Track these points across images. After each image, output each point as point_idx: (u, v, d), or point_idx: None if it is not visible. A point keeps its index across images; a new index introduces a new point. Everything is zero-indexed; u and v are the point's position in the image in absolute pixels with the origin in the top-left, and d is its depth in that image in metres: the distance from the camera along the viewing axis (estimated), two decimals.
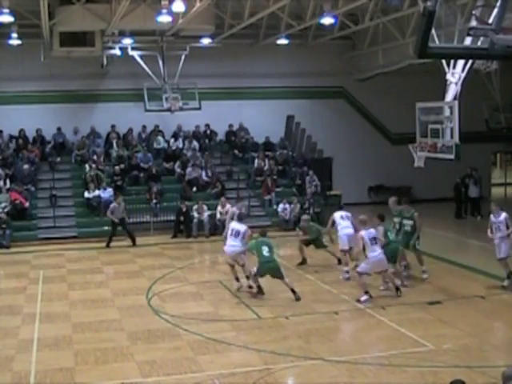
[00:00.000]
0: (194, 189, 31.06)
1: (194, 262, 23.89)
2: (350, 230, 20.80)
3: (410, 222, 20.29)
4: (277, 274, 18.15)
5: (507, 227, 18.58)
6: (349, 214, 21.54)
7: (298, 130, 35.77)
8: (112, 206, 26.93)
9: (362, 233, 17.89)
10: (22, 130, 32.56)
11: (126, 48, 31.61)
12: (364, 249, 17.79)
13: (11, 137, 32.37)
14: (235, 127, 35.07)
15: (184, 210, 28.51)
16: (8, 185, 29.38)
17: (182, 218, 28.44)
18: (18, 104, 32.54)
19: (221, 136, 35.20)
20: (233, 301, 18.34)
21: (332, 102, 36.40)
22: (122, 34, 30.72)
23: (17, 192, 28.67)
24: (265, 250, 18.10)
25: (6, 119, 32.23)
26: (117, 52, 31.79)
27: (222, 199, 28.78)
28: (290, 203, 29.77)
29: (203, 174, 31.66)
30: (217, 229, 28.24)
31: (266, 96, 35.31)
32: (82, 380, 12.82)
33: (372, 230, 18.09)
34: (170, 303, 18.26)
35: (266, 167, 32.56)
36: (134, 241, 26.69)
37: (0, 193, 28.82)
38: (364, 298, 17.51)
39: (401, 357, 13.51)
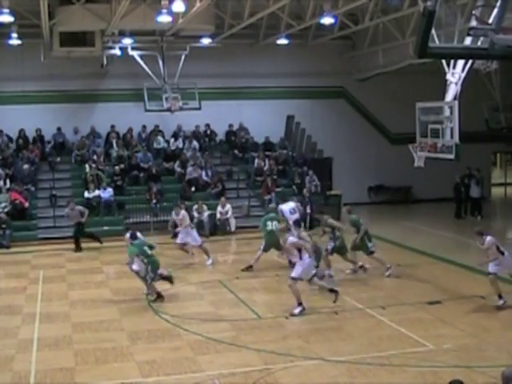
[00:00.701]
0: (194, 189, 31.05)
1: (193, 261, 23.87)
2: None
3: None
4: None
5: (498, 249, 17.07)
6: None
7: (298, 130, 35.78)
8: (65, 211, 26.89)
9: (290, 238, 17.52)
10: (22, 130, 32.59)
11: (126, 48, 31.64)
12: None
13: (8, 137, 32.32)
14: (235, 127, 35.09)
15: (184, 210, 28.46)
16: (8, 185, 29.39)
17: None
18: (18, 104, 32.60)
19: (221, 136, 35.23)
20: (233, 301, 18.34)
21: (332, 101, 36.42)
22: (122, 33, 30.76)
23: (17, 192, 28.68)
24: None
25: (6, 119, 32.29)
26: (117, 52, 31.81)
27: (222, 199, 28.80)
28: None
29: (203, 173, 31.67)
30: (217, 228, 28.27)
31: (265, 96, 35.34)
32: (81, 380, 12.82)
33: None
34: (169, 303, 18.23)
35: (265, 167, 32.56)
36: (98, 240, 26.54)
37: (0, 193, 28.82)
38: (298, 309, 16.83)
39: (401, 357, 13.51)
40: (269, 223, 21.64)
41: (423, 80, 32.18)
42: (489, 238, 17.09)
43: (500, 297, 16.97)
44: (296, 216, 19.92)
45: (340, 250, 20.76)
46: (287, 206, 20.24)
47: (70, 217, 26.62)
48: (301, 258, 16.79)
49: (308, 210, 29.63)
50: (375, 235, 27.49)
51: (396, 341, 14.64)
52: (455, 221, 32.03)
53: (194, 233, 23.39)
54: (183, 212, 23.53)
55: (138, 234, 19.49)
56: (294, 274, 16.81)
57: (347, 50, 36.07)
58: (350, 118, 36.76)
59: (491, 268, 17.09)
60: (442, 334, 15.05)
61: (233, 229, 28.82)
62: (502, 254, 17.13)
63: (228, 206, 28.61)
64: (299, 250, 16.88)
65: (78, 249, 26.08)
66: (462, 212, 32.77)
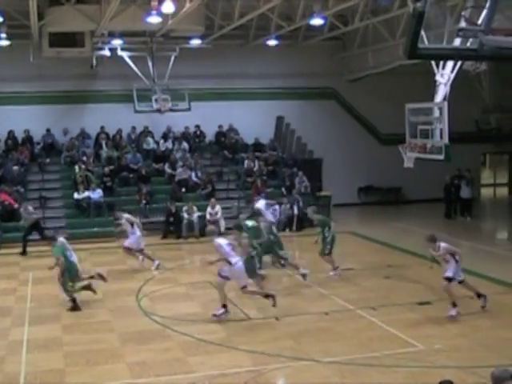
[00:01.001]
0: (184, 190, 31.02)
1: (183, 262, 23.86)
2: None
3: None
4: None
5: (452, 255, 16.44)
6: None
7: (287, 131, 35.80)
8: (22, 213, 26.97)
9: (220, 240, 16.97)
10: (11, 131, 32.48)
11: (116, 49, 31.59)
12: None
13: None
14: (225, 128, 35.06)
15: (174, 210, 28.48)
16: None
17: (171, 219, 28.42)
18: (8, 105, 32.47)
19: (210, 137, 35.19)
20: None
21: (322, 102, 36.40)
22: (112, 34, 30.70)
23: (6, 193, 28.60)
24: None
25: None
26: (106, 53, 31.74)
27: (212, 200, 28.80)
28: (279, 204, 29.74)
29: (193, 174, 31.62)
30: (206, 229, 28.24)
31: (255, 97, 35.31)
32: (72, 382, 12.82)
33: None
34: (160, 304, 18.24)
35: (255, 168, 32.55)
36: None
37: None
38: (221, 311, 16.71)
39: (391, 357, 13.54)
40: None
41: (413, 81, 32.25)
42: (442, 245, 16.59)
43: (454, 305, 16.29)
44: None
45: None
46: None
47: (27, 219, 26.58)
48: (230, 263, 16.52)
49: (296, 212, 29.69)
50: (366, 236, 27.67)
51: (387, 341, 14.67)
52: (445, 221, 32.09)
53: (135, 237, 22.71)
54: (125, 217, 23.08)
55: (61, 239, 18.84)
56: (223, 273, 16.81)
57: (337, 50, 36.07)
58: (341, 118, 36.78)
59: (449, 273, 16.33)
60: (432, 334, 15.09)
61: (222, 230, 28.79)
62: (456, 262, 16.39)
63: (218, 207, 28.59)
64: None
65: (24, 252, 25.99)
66: (452, 212, 32.85)
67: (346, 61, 35.92)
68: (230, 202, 30.90)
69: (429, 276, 20.42)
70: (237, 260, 16.58)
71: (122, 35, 30.85)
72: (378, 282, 20.07)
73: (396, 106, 27.22)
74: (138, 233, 22.70)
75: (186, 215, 28.39)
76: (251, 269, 17.84)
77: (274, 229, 21.50)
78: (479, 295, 16.82)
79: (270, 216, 22.51)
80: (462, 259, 16.49)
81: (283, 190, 31.96)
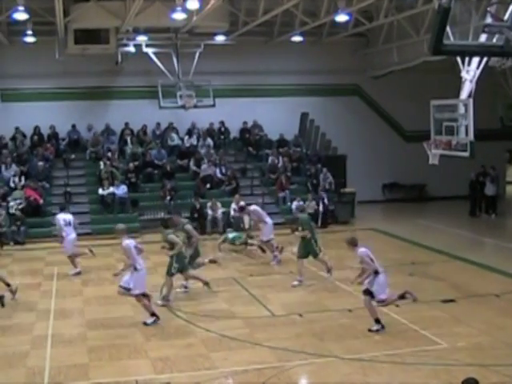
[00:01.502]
0: (208, 186, 31.08)
1: (207, 258, 23.87)
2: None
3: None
4: None
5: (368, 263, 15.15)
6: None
7: (312, 128, 35.73)
8: None
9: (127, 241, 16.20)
10: (36, 127, 32.71)
11: (141, 45, 31.70)
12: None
13: (23, 134, 32.47)
14: (249, 124, 35.10)
15: (198, 207, 28.53)
16: (23, 181, 29.51)
17: (196, 215, 28.47)
18: (33, 101, 32.73)
19: (235, 133, 35.24)
20: (246, 298, 18.35)
21: (346, 99, 36.36)
22: (137, 31, 30.81)
23: (31, 189, 28.82)
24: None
25: (22, 116, 32.41)
26: (131, 49, 31.88)
27: (237, 196, 28.75)
28: (304, 201, 29.75)
29: (217, 171, 31.68)
30: (230, 226, 28.26)
31: (280, 93, 35.34)
32: (95, 376, 12.86)
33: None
34: (183, 300, 18.28)
35: (279, 164, 32.54)
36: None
37: (15, 189, 28.93)
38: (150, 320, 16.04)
39: (414, 355, 13.49)
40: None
41: (438, 77, 32.07)
42: (361, 250, 15.25)
43: (377, 321, 15.19)
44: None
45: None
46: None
47: None
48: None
49: (321, 208, 29.66)
50: (390, 233, 27.59)
51: (410, 339, 14.62)
52: (470, 219, 31.94)
53: (65, 241, 22.02)
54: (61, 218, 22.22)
55: None
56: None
57: (361, 47, 35.97)
58: (364, 115, 36.70)
59: (369, 286, 15.19)
60: (455, 332, 15.01)
61: (246, 226, 28.81)
62: (376, 273, 15.08)
63: (242, 203, 28.56)
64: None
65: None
66: (477, 210, 32.66)
67: (369, 57, 35.80)
68: (254, 198, 30.87)
69: (453, 274, 20.40)
70: (142, 266, 16.02)
71: (146, 31, 30.95)
72: (401, 279, 19.92)
73: (420, 102, 27.07)
74: (73, 235, 22.12)
75: (210, 211, 28.43)
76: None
77: None
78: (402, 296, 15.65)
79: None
80: (387, 277, 15.34)
81: (309, 185, 31.91)
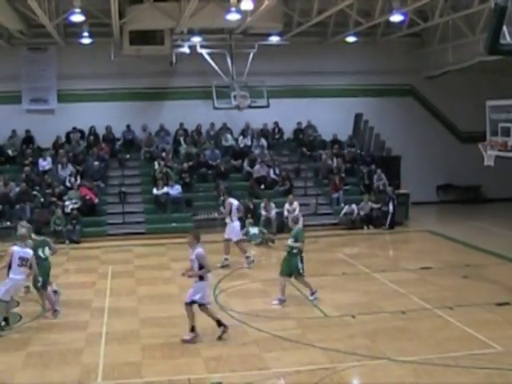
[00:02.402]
0: (262, 186, 31.11)
1: (260, 259, 23.93)
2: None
3: None
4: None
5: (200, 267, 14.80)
6: None
7: (366, 128, 35.55)
8: None
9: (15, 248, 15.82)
10: (92, 127, 33.09)
11: (195, 46, 31.80)
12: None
13: (80, 134, 32.89)
14: (303, 125, 35.10)
15: (251, 207, 28.58)
16: (79, 181, 29.87)
17: (249, 216, 28.52)
18: (89, 101, 33.16)
19: (288, 134, 35.24)
20: (299, 298, 18.31)
21: (400, 99, 36.12)
22: (191, 32, 30.95)
23: (87, 188, 29.15)
24: None
25: (78, 117, 32.88)
26: (186, 50, 32.02)
27: (290, 197, 28.75)
28: (356, 204, 29.63)
29: (271, 171, 31.71)
30: (284, 226, 28.24)
31: (334, 94, 35.25)
32: (148, 374, 12.98)
33: (26, 250, 16.00)
34: (236, 300, 18.35)
35: (333, 165, 32.44)
36: None
37: (71, 189, 29.28)
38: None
39: (468, 358, 13.36)
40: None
41: (494, 77, 31.74)
42: (197, 250, 14.87)
43: (192, 330, 14.87)
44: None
45: None
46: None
47: None
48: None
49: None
50: (444, 234, 27.34)
51: (463, 342, 14.49)
52: None
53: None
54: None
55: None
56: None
57: (416, 47, 35.68)
58: (419, 116, 36.41)
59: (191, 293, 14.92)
60: (510, 335, 14.85)
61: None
62: (202, 279, 14.76)
63: (295, 204, 28.54)
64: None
65: None
66: None
67: (424, 57, 35.49)
68: (307, 198, 30.85)
69: (508, 276, 20.17)
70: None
71: (200, 32, 31.07)
72: (455, 282, 19.83)
73: (476, 103, 26.85)
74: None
75: (263, 212, 28.46)
76: None
77: None
78: (220, 324, 15.06)
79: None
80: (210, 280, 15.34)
81: (361, 187, 31.78)
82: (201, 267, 14.75)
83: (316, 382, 12.36)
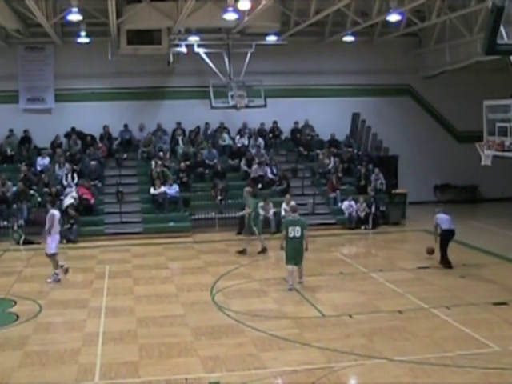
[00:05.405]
0: (259, 186, 31.10)
1: (258, 258, 23.93)
2: None
3: None
4: None
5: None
6: None
7: (363, 128, 35.57)
8: None
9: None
10: (89, 127, 33.05)
11: (192, 45, 31.79)
12: None
13: (79, 135, 32.89)
14: (300, 124, 35.07)
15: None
16: (76, 180, 29.85)
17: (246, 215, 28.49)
18: (87, 101, 33.15)
19: (286, 133, 35.23)
20: (296, 298, 18.32)
21: (398, 99, 36.12)
22: (188, 31, 30.94)
23: (84, 188, 29.13)
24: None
25: (75, 116, 32.88)
26: (183, 49, 32.00)
27: (287, 196, 28.72)
28: (355, 201, 29.68)
29: (268, 171, 31.70)
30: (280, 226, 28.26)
31: (331, 93, 35.24)
32: (145, 374, 12.96)
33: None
34: (234, 299, 18.33)
35: (331, 165, 32.45)
36: None
37: (68, 188, 29.23)
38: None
39: (465, 358, 13.37)
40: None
41: (491, 77, 31.77)
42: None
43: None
44: None
45: None
46: None
47: None
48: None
49: (373, 210, 29.55)
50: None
51: (460, 341, 14.49)
52: None
53: (49, 239, 20.72)
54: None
55: None
56: None
57: (413, 47, 35.70)
58: (416, 115, 36.42)
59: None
60: (507, 335, 14.85)
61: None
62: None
63: (293, 204, 28.51)
64: None
65: None
66: None
67: (421, 57, 35.52)
68: (304, 198, 30.84)
69: (505, 276, 20.18)
70: None
71: (198, 32, 31.06)
72: (452, 281, 19.84)
73: (473, 102, 26.89)
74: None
75: (261, 211, 28.42)
76: None
77: None
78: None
79: None
80: None
81: (359, 187, 31.76)
82: None
83: (313, 381, 12.36)
